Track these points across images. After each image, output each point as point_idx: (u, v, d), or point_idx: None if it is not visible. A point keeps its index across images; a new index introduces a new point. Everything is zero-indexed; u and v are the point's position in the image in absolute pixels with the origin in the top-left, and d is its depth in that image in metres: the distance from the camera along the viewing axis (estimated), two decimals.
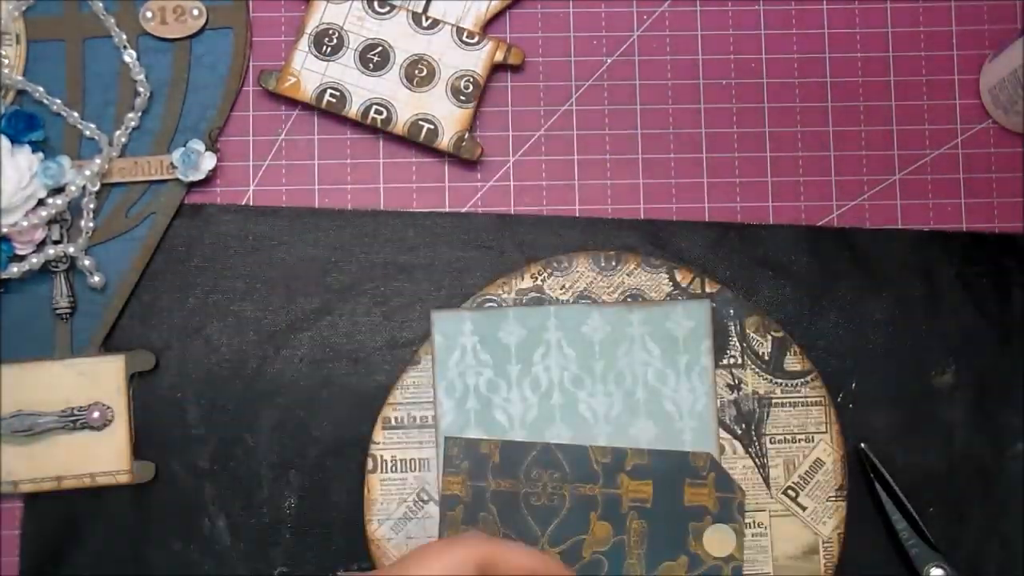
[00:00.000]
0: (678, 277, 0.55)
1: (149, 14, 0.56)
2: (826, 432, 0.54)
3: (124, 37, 0.55)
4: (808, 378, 0.54)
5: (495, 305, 0.54)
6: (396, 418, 0.54)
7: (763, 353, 0.54)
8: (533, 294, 0.54)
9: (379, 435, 0.54)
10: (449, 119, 0.55)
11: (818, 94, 0.57)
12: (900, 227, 0.56)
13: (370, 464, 0.53)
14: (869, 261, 0.56)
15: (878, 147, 0.57)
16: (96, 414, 0.53)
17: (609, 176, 0.56)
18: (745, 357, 0.54)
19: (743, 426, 0.54)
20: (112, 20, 0.55)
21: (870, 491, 0.54)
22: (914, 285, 0.56)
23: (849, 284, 0.56)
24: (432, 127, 0.55)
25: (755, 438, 0.54)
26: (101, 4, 0.55)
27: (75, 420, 0.53)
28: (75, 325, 0.54)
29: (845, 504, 0.53)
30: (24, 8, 0.55)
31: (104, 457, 0.53)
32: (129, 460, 0.54)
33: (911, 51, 0.58)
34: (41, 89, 0.55)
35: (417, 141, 0.55)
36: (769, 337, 0.54)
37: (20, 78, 0.55)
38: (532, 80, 0.57)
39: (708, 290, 0.54)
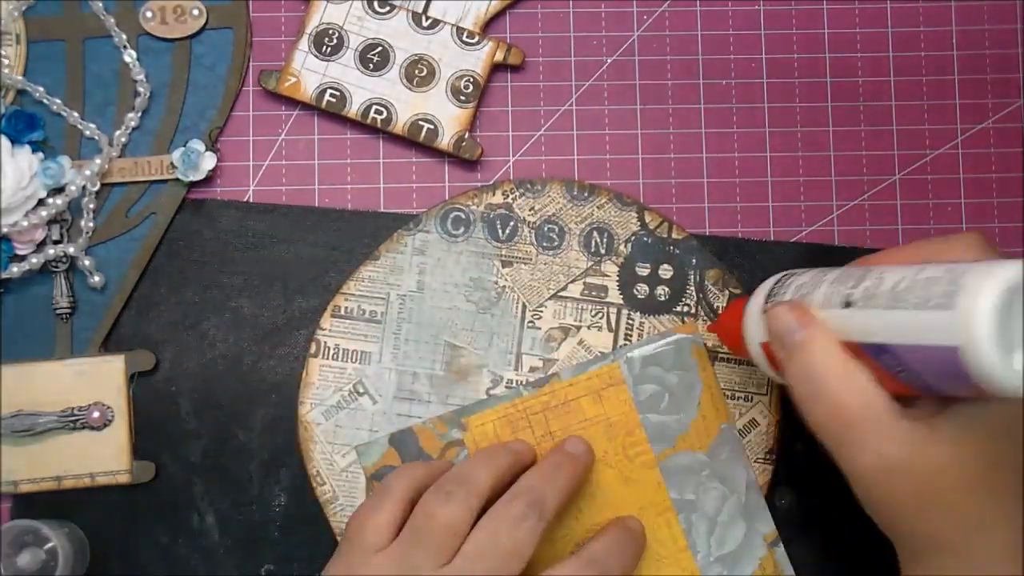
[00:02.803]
0: (647, 218, 0.55)
1: (149, 14, 0.56)
2: (766, 395, 0.54)
3: (124, 37, 0.55)
4: None
5: (463, 216, 0.55)
6: (346, 308, 0.54)
7: (718, 307, 0.54)
8: (502, 211, 0.55)
9: (327, 322, 0.54)
10: (449, 119, 0.55)
11: (818, 94, 0.57)
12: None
13: (313, 348, 0.54)
14: None
15: (878, 147, 0.57)
16: (96, 414, 0.53)
17: (609, 176, 0.56)
18: (699, 308, 0.54)
19: None
20: (112, 20, 0.55)
21: None
22: None
23: None
24: (432, 127, 0.55)
25: None
26: (101, 4, 0.55)
27: (75, 420, 0.53)
28: (75, 325, 0.54)
29: (772, 468, 0.54)
30: (24, 8, 0.55)
31: (104, 457, 0.53)
32: (129, 460, 0.54)
33: (911, 51, 0.58)
34: (41, 89, 0.55)
35: (417, 141, 0.55)
36: (727, 292, 0.55)
37: (20, 78, 0.55)
38: (532, 80, 0.57)
39: (675, 236, 0.55)
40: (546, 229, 0.55)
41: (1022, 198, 0.57)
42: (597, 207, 0.55)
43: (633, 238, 0.55)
